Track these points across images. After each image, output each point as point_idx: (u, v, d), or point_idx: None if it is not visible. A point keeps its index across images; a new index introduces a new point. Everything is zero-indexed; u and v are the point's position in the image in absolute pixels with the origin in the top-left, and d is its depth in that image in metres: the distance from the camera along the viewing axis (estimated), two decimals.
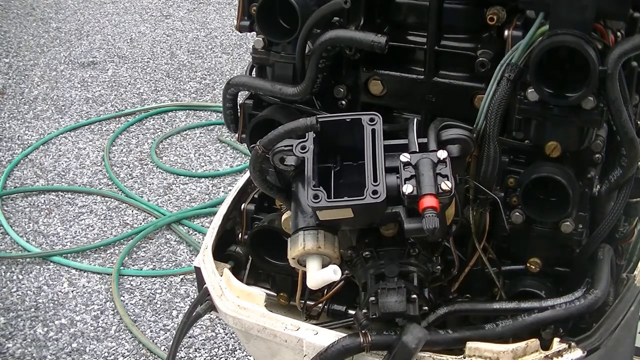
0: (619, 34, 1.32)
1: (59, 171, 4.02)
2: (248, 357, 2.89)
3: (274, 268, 1.64)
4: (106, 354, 2.93)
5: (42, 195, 3.84)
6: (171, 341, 2.69)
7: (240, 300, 1.50)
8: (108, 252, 3.46)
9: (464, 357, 1.33)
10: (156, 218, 3.64)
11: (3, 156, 4.16)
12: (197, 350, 2.94)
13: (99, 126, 4.42)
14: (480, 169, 1.37)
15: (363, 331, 1.31)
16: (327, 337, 1.39)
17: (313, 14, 1.42)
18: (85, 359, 2.91)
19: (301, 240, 1.29)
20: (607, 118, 1.30)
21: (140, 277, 3.31)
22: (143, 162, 4.10)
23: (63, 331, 3.04)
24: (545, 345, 1.34)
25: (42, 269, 3.36)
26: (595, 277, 1.36)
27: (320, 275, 1.28)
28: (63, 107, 4.60)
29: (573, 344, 1.33)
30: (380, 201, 1.21)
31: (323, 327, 1.46)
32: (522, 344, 1.32)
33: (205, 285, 1.58)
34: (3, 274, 3.33)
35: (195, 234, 3.55)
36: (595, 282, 1.35)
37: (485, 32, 1.42)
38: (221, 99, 1.74)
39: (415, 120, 1.36)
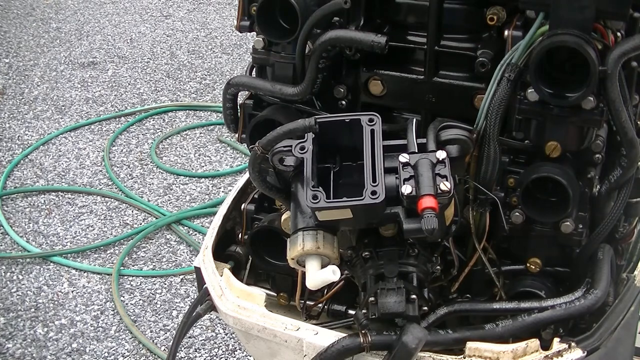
0: (619, 34, 1.32)
1: (59, 171, 4.02)
2: (248, 357, 2.89)
3: (274, 268, 1.64)
4: (106, 354, 2.93)
5: (42, 196, 3.84)
6: (171, 341, 2.69)
7: (240, 300, 1.50)
8: (108, 252, 3.46)
9: (464, 357, 1.32)
10: (156, 218, 3.64)
11: (3, 156, 4.16)
12: (197, 350, 2.94)
13: (99, 126, 4.42)
14: (480, 169, 1.37)
15: (363, 331, 1.31)
16: (327, 337, 1.39)
17: (313, 14, 1.42)
18: (85, 359, 2.91)
19: (300, 241, 1.29)
20: (607, 118, 1.30)
21: (140, 277, 3.31)
22: (143, 162, 4.09)
23: (63, 331, 3.04)
24: (545, 345, 1.34)
25: (42, 269, 3.36)
26: (595, 277, 1.36)
27: (320, 275, 1.28)
28: (63, 107, 4.60)
29: (573, 344, 1.33)
30: (379, 202, 1.21)
31: (323, 327, 1.46)
32: (522, 344, 1.32)
33: (205, 285, 1.58)
34: (3, 274, 3.33)
35: (195, 234, 3.55)
36: (595, 282, 1.35)
37: (485, 32, 1.42)
38: (221, 99, 1.74)
39: (414, 120, 1.36)
